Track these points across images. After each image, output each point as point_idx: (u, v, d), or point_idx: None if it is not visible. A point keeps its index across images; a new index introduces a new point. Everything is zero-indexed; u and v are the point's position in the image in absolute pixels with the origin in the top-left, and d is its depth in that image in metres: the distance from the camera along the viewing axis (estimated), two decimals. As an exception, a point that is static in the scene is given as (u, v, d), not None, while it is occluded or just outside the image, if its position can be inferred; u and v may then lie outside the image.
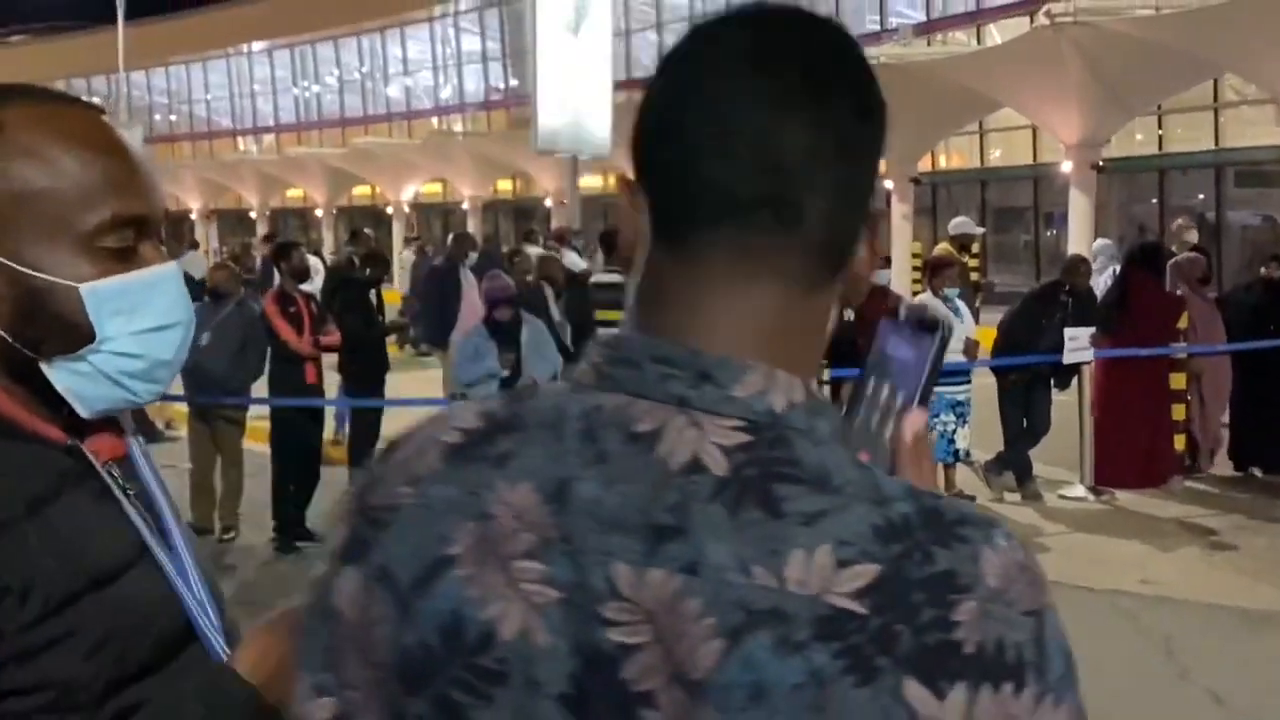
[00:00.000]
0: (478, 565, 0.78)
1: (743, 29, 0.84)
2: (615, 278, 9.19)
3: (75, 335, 1.14)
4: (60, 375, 1.15)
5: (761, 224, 0.81)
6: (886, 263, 9.27)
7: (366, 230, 15.66)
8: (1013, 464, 9.23)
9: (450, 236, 12.09)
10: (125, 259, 1.16)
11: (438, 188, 40.84)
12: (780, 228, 0.81)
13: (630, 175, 0.86)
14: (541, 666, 0.76)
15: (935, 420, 8.84)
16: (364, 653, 0.81)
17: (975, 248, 12.94)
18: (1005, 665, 0.72)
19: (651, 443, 0.78)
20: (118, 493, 1.16)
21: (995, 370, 9.33)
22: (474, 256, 11.33)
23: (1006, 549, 0.76)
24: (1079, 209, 20.17)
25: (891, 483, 0.79)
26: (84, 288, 1.14)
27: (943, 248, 11.77)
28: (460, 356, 7.85)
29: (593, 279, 9.35)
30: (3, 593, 1.03)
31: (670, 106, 0.83)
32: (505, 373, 7.68)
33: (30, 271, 1.13)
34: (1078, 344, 8.80)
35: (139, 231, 1.18)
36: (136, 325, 1.16)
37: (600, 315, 9.24)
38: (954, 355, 8.88)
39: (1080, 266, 9.50)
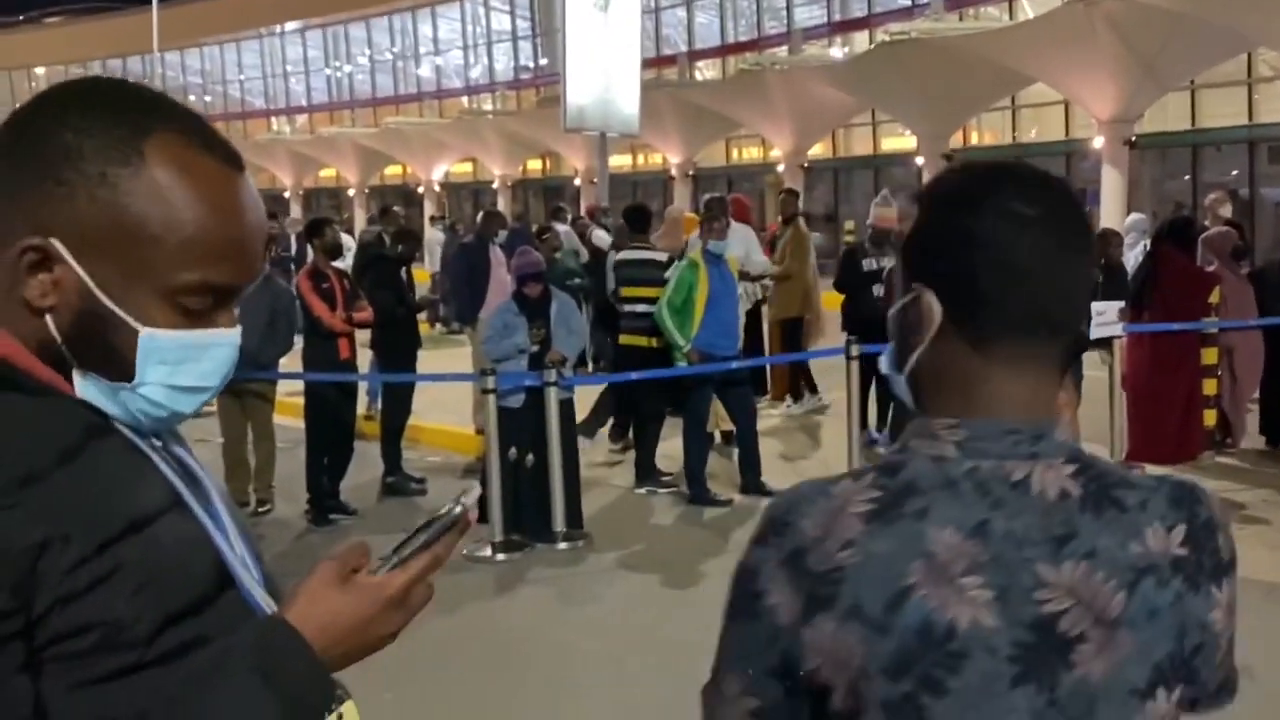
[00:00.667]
0: (933, 586, 1.17)
1: (1035, 199, 1.23)
2: (642, 254, 9.13)
3: (117, 369, 1.15)
4: (85, 386, 1.16)
5: (1051, 335, 1.24)
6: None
7: (395, 208, 15.67)
8: None
9: (480, 214, 12.08)
10: (195, 317, 1.16)
11: (468, 167, 40.88)
12: (1056, 338, 1.24)
13: (919, 284, 1.26)
14: (993, 640, 1.17)
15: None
16: (842, 668, 1.18)
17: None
18: (1233, 563, 1.27)
19: (1027, 486, 1.21)
20: (144, 446, 1.16)
21: None
22: (503, 234, 11.32)
23: (1210, 495, 1.28)
24: (1112, 185, 19.97)
25: (1134, 472, 1.28)
26: (144, 333, 1.14)
27: None
28: (490, 331, 7.87)
29: (619, 255, 9.30)
30: (44, 545, 1.04)
31: (1003, 255, 1.21)
32: (534, 347, 7.70)
33: (104, 298, 1.13)
34: (1106, 318, 8.72)
35: (220, 297, 1.17)
36: (174, 380, 1.16)
37: (625, 291, 9.20)
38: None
39: (1111, 239, 9.41)
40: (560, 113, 16.02)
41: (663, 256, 9.19)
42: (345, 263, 10.64)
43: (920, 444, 1.24)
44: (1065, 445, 1.23)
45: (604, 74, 15.76)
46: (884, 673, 1.15)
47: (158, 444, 1.19)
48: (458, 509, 1.18)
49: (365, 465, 8.95)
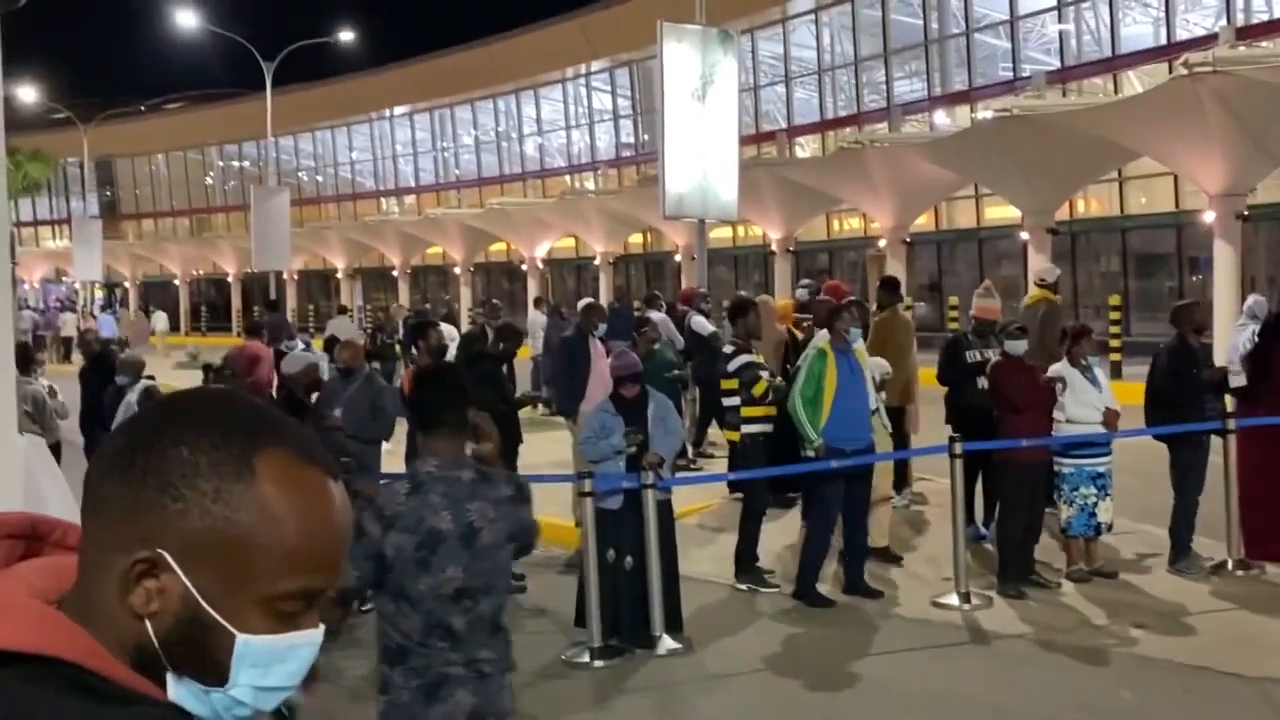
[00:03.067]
0: (430, 515, 3.91)
1: None
2: (746, 358, 9.07)
3: (211, 672, 1.18)
4: (178, 689, 1.20)
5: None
6: (1022, 332, 9.03)
7: (495, 301, 15.88)
8: (1178, 535, 8.95)
9: (580, 305, 12.21)
10: (286, 620, 1.20)
11: (570, 243, 41.38)
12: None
13: None
14: (450, 531, 3.85)
15: (1075, 494, 8.63)
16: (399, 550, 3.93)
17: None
18: (522, 490, 4.07)
19: (457, 479, 3.89)
20: None
21: (1159, 437, 9.08)
22: (603, 327, 11.42)
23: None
24: (1224, 258, 19.50)
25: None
26: (241, 640, 1.17)
27: (1035, 296, 11.37)
28: (587, 432, 7.92)
29: (727, 354, 9.28)
30: None
31: None
32: (632, 449, 7.72)
33: (206, 606, 1.17)
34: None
35: (311, 601, 1.22)
36: (263, 681, 1.20)
37: (725, 384, 9.21)
38: (1095, 426, 8.64)
39: (1188, 313, 9.32)
40: (659, 200, 16.15)
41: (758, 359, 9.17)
42: (448, 354, 10.83)
43: (421, 465, 3.90)
44: (468, 463, 3.88)
45: (702, 161, 15.89)
46: (414, 548, 3.79)
47: None
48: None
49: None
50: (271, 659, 1.19)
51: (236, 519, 1.17)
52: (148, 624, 1.18)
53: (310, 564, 1.19)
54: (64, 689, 1.14)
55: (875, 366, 9.03)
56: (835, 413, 8.30)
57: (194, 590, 1.17)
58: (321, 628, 1.24)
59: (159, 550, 1.17)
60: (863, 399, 8.48)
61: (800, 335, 10.52)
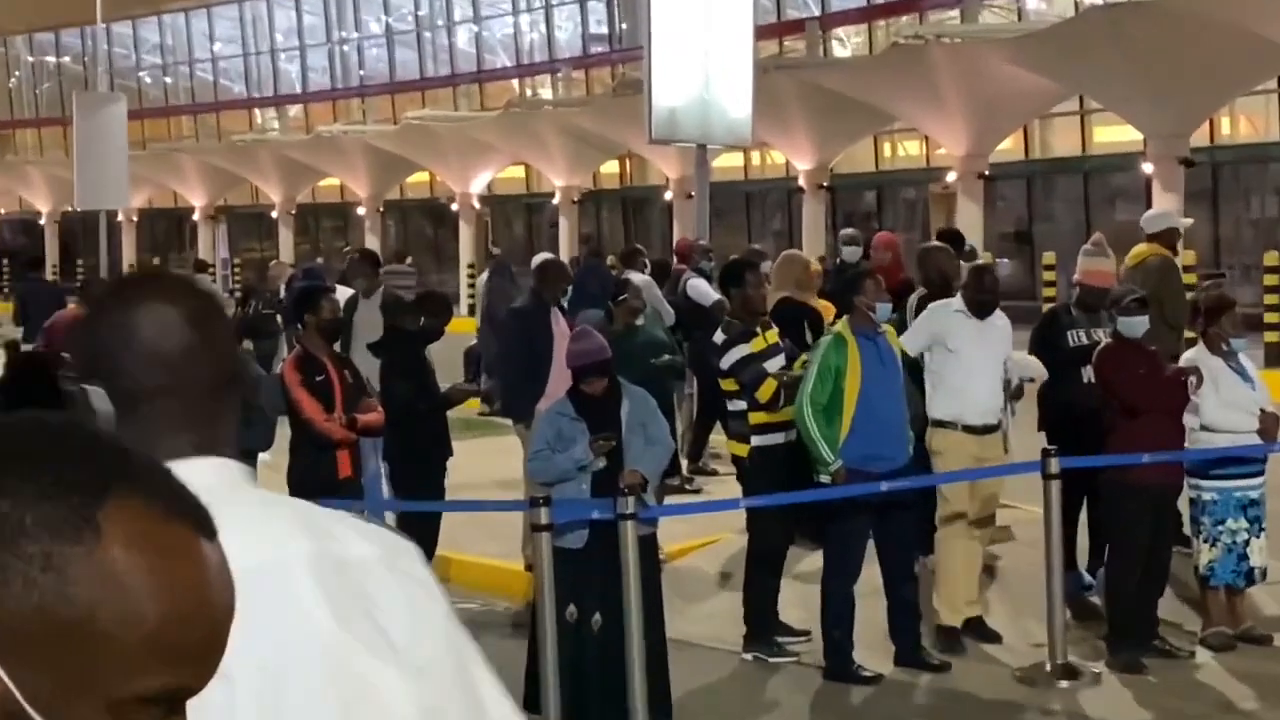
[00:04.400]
0: None
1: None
2: (743, 349, 8.99)
3: None
4: None
5: None
6: (1142, 305, 9.06)
7: (493, 248, 15.72)
8: None
9: (535, 263, 12.17)
10: None
11: (519, 174, 41.40)
12: None
13: None
14: None
15: (1220, 529, 8.68)
16: None
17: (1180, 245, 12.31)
18: None
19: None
20: None
21: None
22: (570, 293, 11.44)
23: None
24: None
25: None
26: None
27: (1142, 251, 11.33)
28: (538, 443, 7.91)
29: (718, 344, 9.25)
30: None
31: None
32: (600, 463, 7.73)
33: (33, 713, 1.16)
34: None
35: (176, 705, 1.21)
36: None
37: (723, 384, 9.19)
38: (1245, 436, 8.69)
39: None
40: (644, 115, 16.14)
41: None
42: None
43: None
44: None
45: (703, 62, 15.86)
46: None
47: None
48: None
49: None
50: None
51: (74, 594, 1.16)
52: None
53: (173, 655, 1.18)
54: None
55: (1021, 367, 9.13)
56: (860, 423, 8.34)
57: (16, 692, 1.16)
58: None
59: None
60: (897, 401, 8.55)
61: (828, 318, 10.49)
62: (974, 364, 8.91)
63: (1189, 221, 12.03)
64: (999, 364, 8.99)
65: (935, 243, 11.55)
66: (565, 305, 11.11)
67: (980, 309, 9.03)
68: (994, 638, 9.02)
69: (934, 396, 9.08)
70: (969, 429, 8.95)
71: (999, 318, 9.15)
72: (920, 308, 9.64)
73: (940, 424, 9.03)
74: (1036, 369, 9.34)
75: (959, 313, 9.01)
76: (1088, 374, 9.21)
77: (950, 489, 8.98)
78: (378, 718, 1.77)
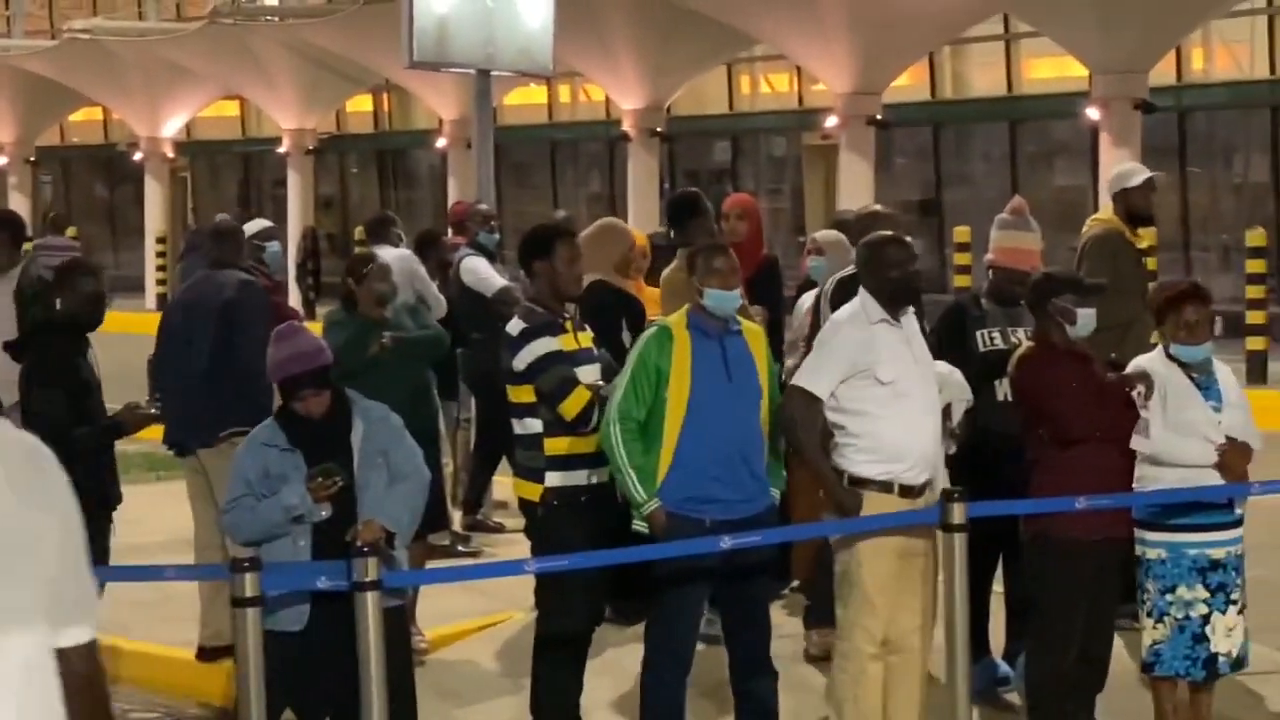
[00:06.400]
0: None
1: None
2: (549, 342, 8.98)
3: None
4: None
5: None
6: (1091, 295, 9.18)
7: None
8: None
9: (210, 232, 12.15)
10: None
11: (231, 110, 41.14)
12: None
13: None
14: None
15: (1165, 600, 8.83)
16: None
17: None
18: None
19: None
20: None
21: None
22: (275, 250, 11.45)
23: None
24: None
25: None
26: None
27: (1097, 220, 11.59)
28: (234, 486, 7.87)
29: (513, 335, 9.24)
30: None
31: None
32: (324, 512, 7.69)
33: None
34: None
35: None
36: None
37: (513, 395, 9.16)
38: (1197, 471, 8.86)
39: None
40: (402, 30, 16.16)
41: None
42: None
43: None
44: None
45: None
46: None
47: None
48: None
49: None
50: None
51: None
52: None
53: None
54: None
55: (949, 386, 8.95)
56: (687, 450, 8.42)
57: None
58: None
59: None
60: (748, 418, 8.60)
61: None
62: (913, 396, 8.58)
63: (1145, 175, 12.14)
64: (934, 388, 8.79)
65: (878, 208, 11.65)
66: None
67: (900, 298, 8.72)
68: None
69: (851, 447, 8.64)
70: (906, 491, 8.63)
71: (908, 315, 8.79)
72: (840, 300, 9.61)
73: (862, 483, 8.60)
74: (963, 388, 9.11)
75: (882, 323, 8.60)
76: (1003, 389, 9.35)
77: (870, 579, 8.56)
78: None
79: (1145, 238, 11.51)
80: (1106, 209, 11.66)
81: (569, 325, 9.08)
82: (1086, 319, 8.83)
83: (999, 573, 9.79)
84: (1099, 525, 8.70)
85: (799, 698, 9.54)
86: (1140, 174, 11.75)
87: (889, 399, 8.44)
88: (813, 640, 10.33)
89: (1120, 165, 12.53)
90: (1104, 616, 8.93)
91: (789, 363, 10.49)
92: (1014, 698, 9.55)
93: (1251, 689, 9.65)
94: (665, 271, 10.75)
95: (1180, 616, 8.79)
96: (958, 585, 8.56)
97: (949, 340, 9.87)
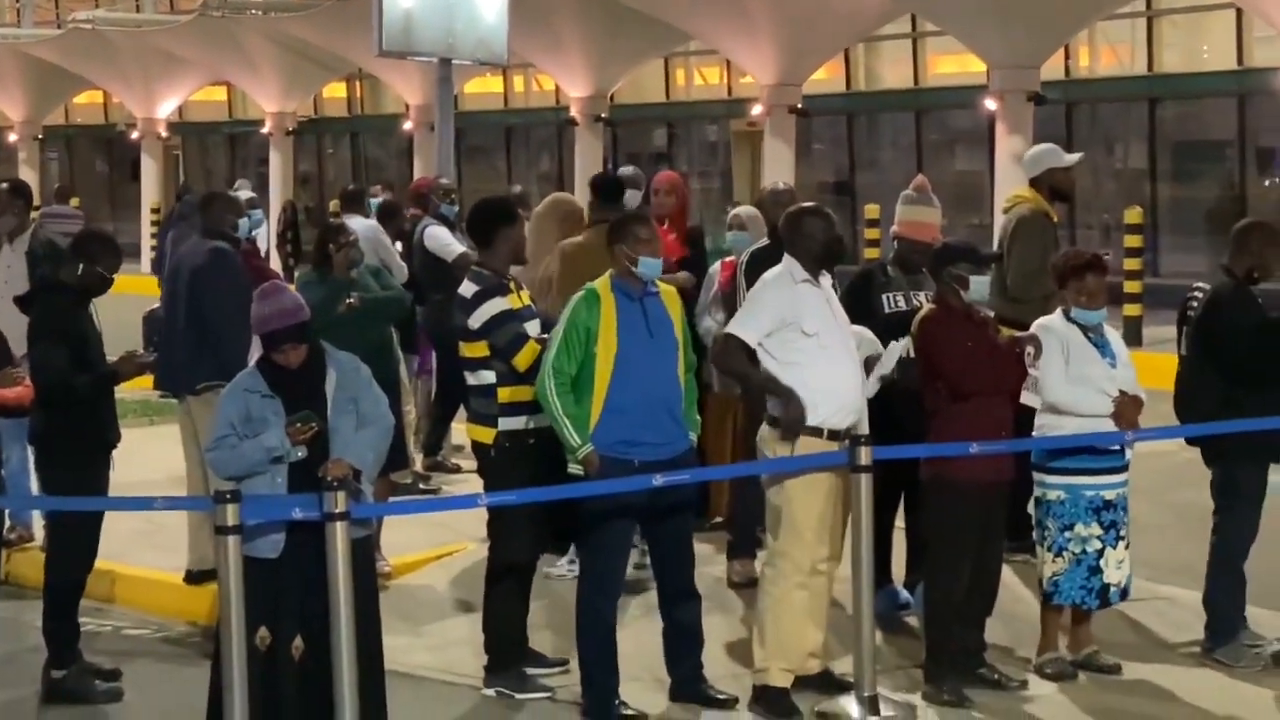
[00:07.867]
0: None
1: None
2: (499, 303, 8.96)
3: None
4: None
5: None
6: (989, 264, 9.24)
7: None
8: (1218, 605, 9.32)
9: (200, 200, 12.07)
10: None
11: (219, 95, 40.82)
12: None
13: None
14: None
15: (1067, 536, 8.88)
16: None
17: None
18: None
19: None
20: None
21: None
22: (253, 223, 11.39)
23: None
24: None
25: None
26: None
27: (1020, 198, 11.53)
28: (219, 427, 7.80)
29: (467, 297, 9.20)
30: None
31: None
32: (300, 453, 7.64)
33: None
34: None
35: None
36: None
37: (466, 350, 9.13)
38: (1098, 421, 8.91)
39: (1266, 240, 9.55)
40: (372, 20, 16.07)
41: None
42: None
43: None
44: None
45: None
46: None
47: None
48: None
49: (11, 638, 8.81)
50: None
51: None
52: None
53: None
54: None
55: (864, 342, 9.00)
56: (615, 399, 8.42)
57: None
58: None
59: None
60: (666, 375, 8.62)
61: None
62: (835, 349, 8.65)
63: (1076, 158, 12.05)
64: (852, 342, 8.84)
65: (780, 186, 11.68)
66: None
67: (825, 260, 8.82)
68: (843, 687, 8.71)
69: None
70: (834, 435, 8.60)
71: (825, 278, 8.84)
72: (754, 268, 9.70)
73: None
74: (874, 343, 9.18)
75: (805, 282, 8.66)
76: (904, 345, 9.38)
77: (801, 513, 8.57)
78: None
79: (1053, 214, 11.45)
80: (1025, 188, 11.55)
81: (513, 285, 9.12)
82: (979, 285, 8.85)
83: (900, 510, 9.88)
84: (987, 470, 8.70)
85: (722, 619, 9.60)
86: (1069, 156, 11.74)
87: (815, 350, 8.49)
88: (735, 569, 10.44)
89: (1041, 145, 12.27)
90: (992, 549, 8.95)
91: (702, 325, 10.60)
92: (913, 621, 9.60)
93: (1127, 614, 9.70)
94: (567, 242, 10.87)
95: (1078, 551, 8.90)
96: (864, 520, 8.59)
97: (858, 303, 9.87)
